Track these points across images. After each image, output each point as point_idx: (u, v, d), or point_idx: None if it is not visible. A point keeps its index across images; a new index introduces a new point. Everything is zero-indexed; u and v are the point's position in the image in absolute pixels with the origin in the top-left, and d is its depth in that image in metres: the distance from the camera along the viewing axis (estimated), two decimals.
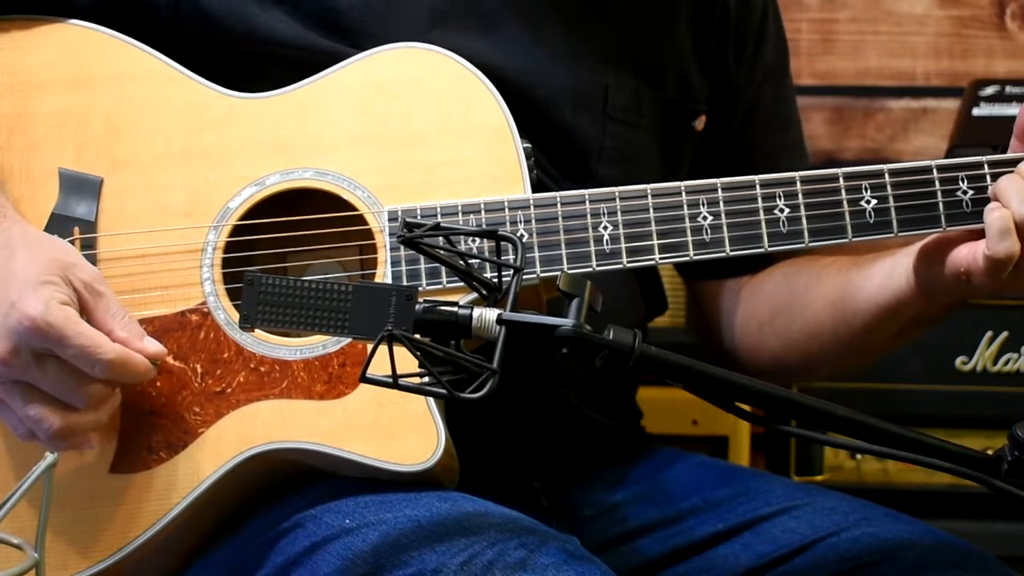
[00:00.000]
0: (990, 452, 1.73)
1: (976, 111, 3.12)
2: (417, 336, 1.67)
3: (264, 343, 1.97)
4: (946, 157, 2.91)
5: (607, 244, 1.97)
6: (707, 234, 1.97)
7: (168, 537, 1.96)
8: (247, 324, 1.71)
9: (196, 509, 1.95)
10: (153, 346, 1.90)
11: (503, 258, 1.72)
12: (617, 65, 2.16)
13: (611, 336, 1.68)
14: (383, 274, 1.97)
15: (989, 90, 3.17)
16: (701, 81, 2.24)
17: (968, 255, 1.93)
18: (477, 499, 1.91)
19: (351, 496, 1.92)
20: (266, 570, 1.92)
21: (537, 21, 2.13)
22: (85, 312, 1.87)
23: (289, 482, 1.97)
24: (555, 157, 2.11)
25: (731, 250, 1.97)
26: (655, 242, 1.97)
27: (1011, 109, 3.10)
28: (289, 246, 2.01)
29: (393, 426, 1.93)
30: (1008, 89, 3.16)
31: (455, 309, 1.69)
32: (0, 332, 1.84)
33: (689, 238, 1.97)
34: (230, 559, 1.97)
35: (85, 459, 1.96)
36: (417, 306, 1.68)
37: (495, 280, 1.72)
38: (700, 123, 2.24)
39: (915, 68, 3.44)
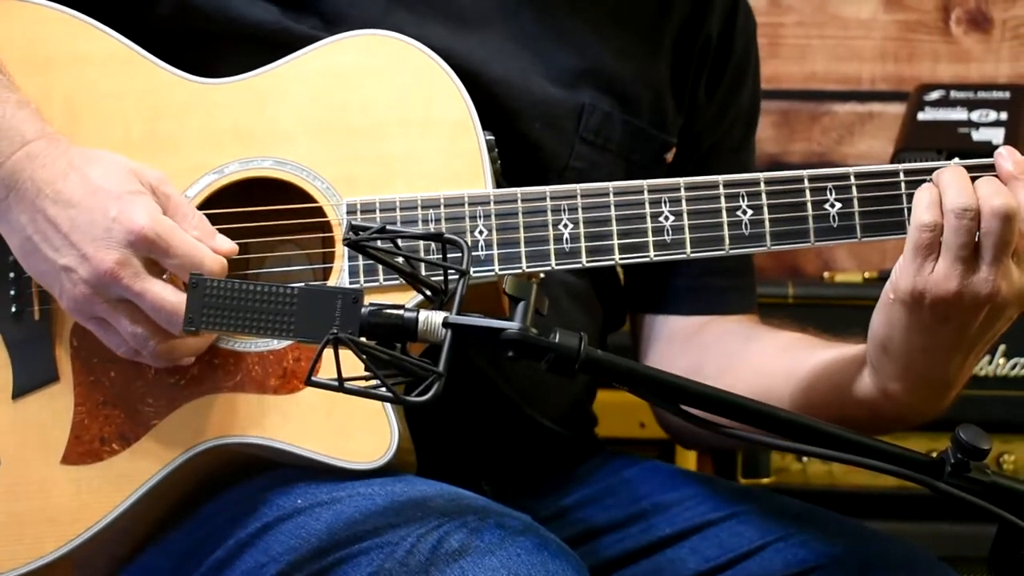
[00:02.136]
0: (934, 454, 1.73)
1: (921, 115, 3.14)
2: (363, 339, 1.66)
3: (220, 336, 1.95)
4: (892, 161, 2.93)
5: (567, 243, 1.96)
6: (668, 235, 1.95)
7: (119, 528, 1.95)
8: (191, 327, 1.71)
9: (147, 501, 1.94)
10: (225, 244, 1.92)
11: (451, 260, 1.72)
12: (595, 86, 2.14)
13: (557, 339, 1.68)
14: (340, 268, 1.96)
15: (934, 95, 3.18)
16: (675, 114, 2.23)
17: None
18: (431, 480, 1.92)
19: (303, 477, 1.92)
20: (218, 553, 1.92)
21: (521, 32, 2.11)
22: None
23: (242, 471, 1.97)
24: (514, 170, 2.07)
25: (692, 252, 1.95)
26: (615, 242, 1.96)
27: (956, 114, 3.11)
28: (250, 236, 1.99)
29: (346, 423, 1.92)
30: (953, 94, 3.18)
31: (401, 312, 1.68)
32: (107, 244, 1.86)
33: (650, 239, 1.96)
34: (181, 544, 1.97)
35: (36, 450, 1.95)
36: (363, 309, 1.68)
37: (442, 283, 1.72)
38: (671, 156, 2.22)
39: (861, 72, 3.45)
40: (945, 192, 1.87)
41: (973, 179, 1.89)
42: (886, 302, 1.90)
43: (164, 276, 1.90)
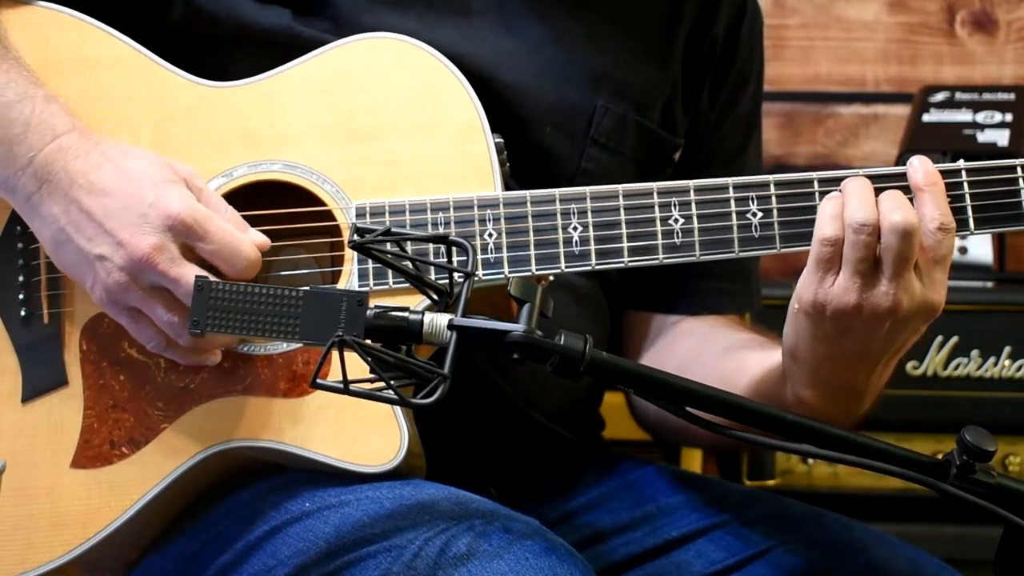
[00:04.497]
0: (939, 456, 1.73)
1: (926, 117, 3.14)
2: (368, 342, 1.66)
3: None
4: (897, 163, 2.93)
5: (576, 245, 1.96)
6: (678, 237, 1.95)
7: (128, 532, 1.95)
8: (196, 330, 1.71)
9: (156, 505, 1.94)
10: (259, 236, 1.92)
11: (457, 262, 1.72)
12: (608, 88, 2.14)
13: (562, 341, 1.68)
14: (350, 271, 1.96)
15: (939, 96, 3.19)
16: (683, 116, 2.23)
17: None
18: (438, 484, 1.92)
19: (311, 480, 1.92)
20: (225, 556, 1.92)
21: (532, 37, 2.11)
22: None
23: (250, 474, 1.97)
24: (526, 174, 2.07)
25: (701, 254, 1.95)
26: (625, 244, 1.96)
27: (961, 115, 3.11)
28: None
29: (356, 426, 1.92)
30: (958, 95, 3.18)
31: (406, 315, 1.68)
32: (143, 230, 1.86)
33: (659, 241, 1.96)
34: (188, 547, 1.97)
35: (46, 454, 1.95)
36: (368, 311, 1.68)
37: (447, 285, 1.72)
38: (677, 155, 2.22)
39: (865, 74, 3.46)
40: (846, 206, 1.88)
41: (881, 190, 1.89)
42: (792, 312, 1.92)
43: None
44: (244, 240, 1.90)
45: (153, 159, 1.92)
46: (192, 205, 1.87)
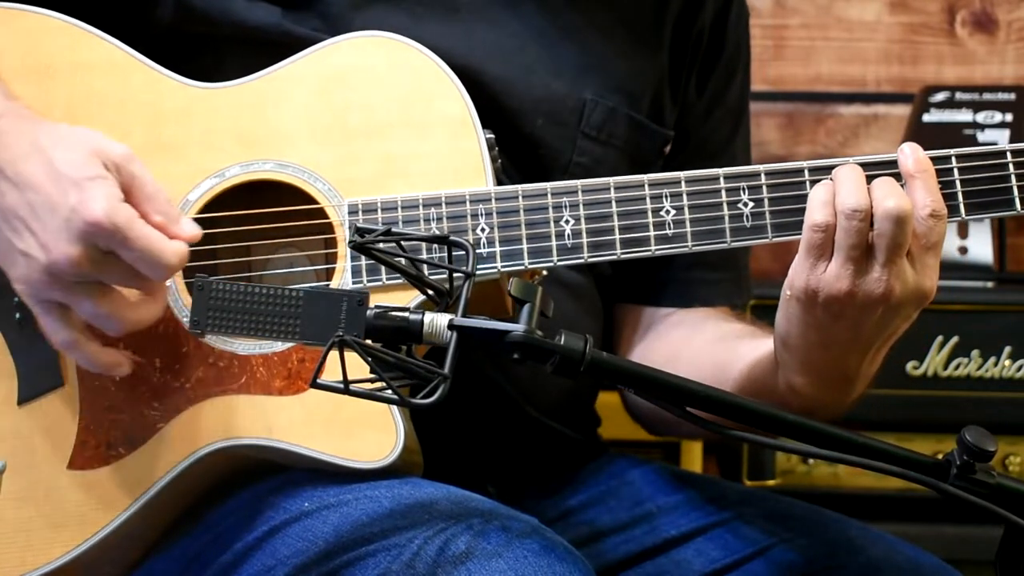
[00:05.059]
0: (940, 456, 1.73)
1: (927, 117, 3.14)
2: (368, 342, 1.66)
3: (223, 338, 1.95)
4: None
5: (569, 238, 1.96)
6: (670, 228, 1.96)
7: (126, 533, 1.95)
8: (196, 330, 1.71)
9: (154, 505, 1.95)
10: (190, 228, 1.89)
11: (455, 260, 1.72)
12: (598, 81, 2.15)
13: (562, 341, 1.68)
14: (344, 268, 1.96)
15: (939, 96, 3.19)
16: (671, 107, 2.23)
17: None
18: (437, 483, 1.92)
19: (310, 480, 1.92)
20: (225, 557, 1.92)
21: (523, 28, 2.12)
22: (124, 196, 1.87)
23: (248, 474, 1.97)
24: (519, 168, 2.09)
25: (693, 245, 1.96)
26: (617, 236, 1.96)
27: (961, 115, 3.12)
28: (251, 239, 2.00)
29: (352, 423, 1.92)
30: (958, 95, 3.18)
31: (406, 315, 1.69)
32: (67, 236, 1.84)
33: (651, 233, 1.96)
34: (188, 548, 1.97)
35: (43, 456, 1.96)
36: (368, 311, 1.68)
37: (447, 284, 1.72)
38: (668, 147, 2.23)
39: (865, 74, 3.46)
40: (838, 192, 1.88)
41: (873, 177, 1.89)
42: (784, 298, 1.92)
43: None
44: (165, 247, 1.86)
45: (84, 148, 1.88)
46: (113, 209, 1.84)
